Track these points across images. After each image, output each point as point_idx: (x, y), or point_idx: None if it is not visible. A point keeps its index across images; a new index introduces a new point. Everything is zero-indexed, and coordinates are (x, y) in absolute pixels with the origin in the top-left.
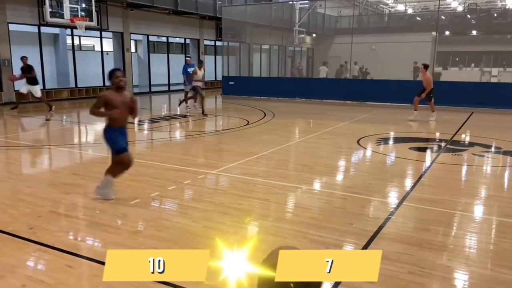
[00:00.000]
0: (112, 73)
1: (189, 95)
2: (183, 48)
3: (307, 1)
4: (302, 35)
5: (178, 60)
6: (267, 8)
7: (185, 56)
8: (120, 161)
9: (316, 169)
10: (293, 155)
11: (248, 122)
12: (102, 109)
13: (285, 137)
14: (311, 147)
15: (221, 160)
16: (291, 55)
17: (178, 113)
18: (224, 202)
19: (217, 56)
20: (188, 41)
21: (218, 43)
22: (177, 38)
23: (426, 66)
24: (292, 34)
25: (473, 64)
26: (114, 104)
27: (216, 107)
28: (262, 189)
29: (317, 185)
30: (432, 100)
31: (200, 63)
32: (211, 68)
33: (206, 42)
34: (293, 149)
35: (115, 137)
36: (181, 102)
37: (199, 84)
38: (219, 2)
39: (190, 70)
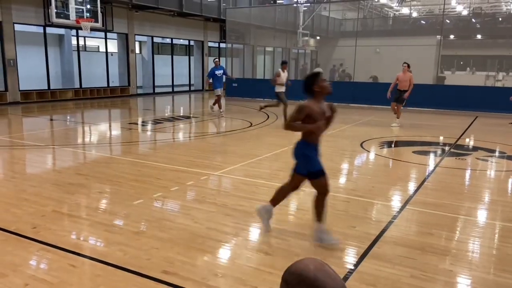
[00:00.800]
0: (316, 77)
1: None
2: (187, 50)
3: (311, 4)
4: (306, 38)
5: (182, 62)
6: (271, 10)
7: (214, 58)
8: (318, 186)
9: None
10: None
11: (251, 124)
12: (299, 122)
13: (288, 139)
14: None
15: (224, 162)
16: (295, 58)
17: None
18: (226, 204)
19: (221, 58)
20: (192, 42)
21: (222, 45)
22: (181, 40)
23: (409, 65)
24: (296, 36)
25: (470, 68)
26: (315, 117)
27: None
28: (265, 191)
29: None
30: (404, 103)
31: (284, 64)
32: None
33: (210, 44)
34: None
35: (313, 155)
36: (213, 105)
37: (282, 89)
38: (224, 4)
39: (218, 72)
